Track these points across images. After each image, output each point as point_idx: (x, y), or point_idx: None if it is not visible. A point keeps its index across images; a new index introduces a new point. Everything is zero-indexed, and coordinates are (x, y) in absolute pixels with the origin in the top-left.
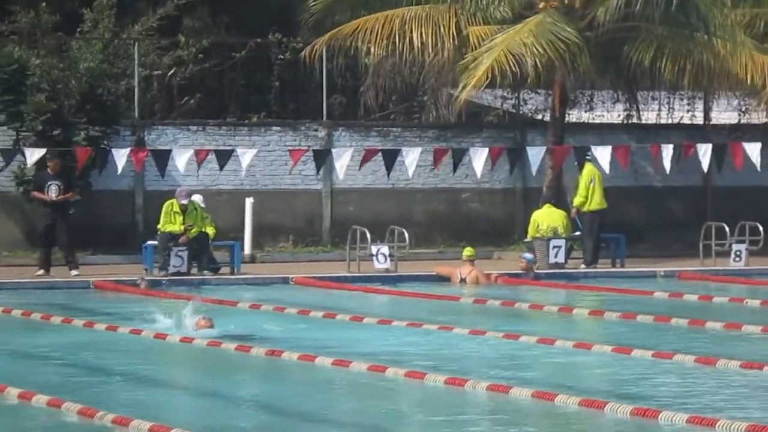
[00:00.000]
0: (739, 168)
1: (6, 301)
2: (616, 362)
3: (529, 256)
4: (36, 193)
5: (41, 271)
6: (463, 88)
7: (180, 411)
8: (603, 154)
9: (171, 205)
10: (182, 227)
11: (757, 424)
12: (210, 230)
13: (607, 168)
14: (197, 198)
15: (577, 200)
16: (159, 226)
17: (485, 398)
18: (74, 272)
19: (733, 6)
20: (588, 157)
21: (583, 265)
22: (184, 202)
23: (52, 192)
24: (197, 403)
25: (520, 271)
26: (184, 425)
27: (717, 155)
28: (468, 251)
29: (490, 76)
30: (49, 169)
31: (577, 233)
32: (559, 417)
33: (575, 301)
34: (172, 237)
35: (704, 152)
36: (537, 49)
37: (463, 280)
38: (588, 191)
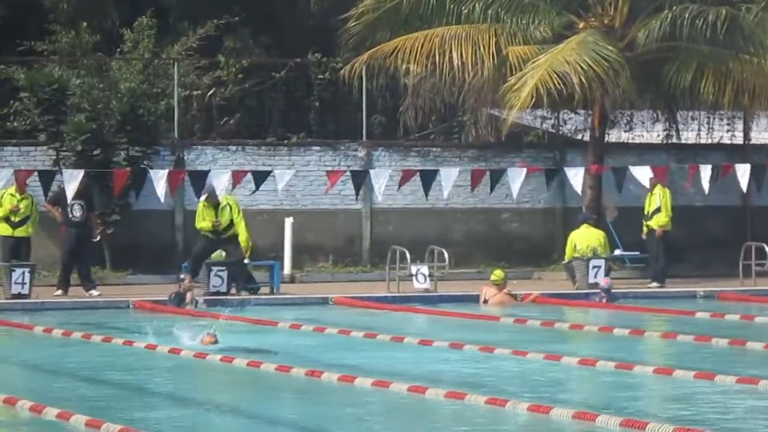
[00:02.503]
0: None
1: (46, 321)
2: (658, 383)
3: (601, 282)
4: (48, 206)
5: (59, 291)
6: (510, 109)
7: (220, 431)
8: (642, 173)
9: (203, 203)
10: (212, 222)
11: None
12: (243, 234)
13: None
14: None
15: (664, 219)
16: (196, 225)
17: (526, 418)
18: (96, 293)
19: None
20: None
21: (654, 283)
22: (202, 197)
23: (76, 211)
24: (236, 423)
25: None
26: None
27: (756, 175)
28: (494, 276)
29: (534, 96)
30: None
31: (617, 252)
32: None
33: (616, 322)
34: (206, 252)
35: (743, 172)
36: (581, 66)
37: (486, 302)
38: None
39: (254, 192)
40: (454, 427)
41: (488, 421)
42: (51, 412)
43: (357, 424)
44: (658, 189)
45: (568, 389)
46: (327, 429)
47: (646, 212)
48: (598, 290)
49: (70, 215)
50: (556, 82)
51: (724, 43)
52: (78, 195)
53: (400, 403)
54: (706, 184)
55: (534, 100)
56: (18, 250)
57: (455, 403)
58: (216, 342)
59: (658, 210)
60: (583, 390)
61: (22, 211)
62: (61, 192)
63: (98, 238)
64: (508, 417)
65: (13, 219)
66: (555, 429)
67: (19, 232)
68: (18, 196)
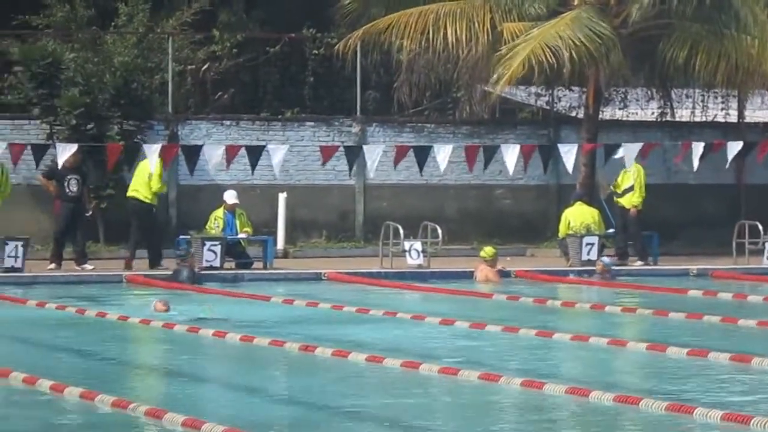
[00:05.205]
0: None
1: (40, 295)
2: (651, 359)
3: (606, 260)
4: (42, 178)
5: (53, 265)
6: (499, 79)
7: (213, 405)
8: (633, 151)
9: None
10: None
11: None
12: (249, 230)
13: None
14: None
15: (637, 199)
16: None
17: (519, 394)
18: (89, 267)
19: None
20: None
21: (639, 262)
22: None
23: (73, 186)
24: (230, 397)
25: (597, 273)
26: (217, 419)
27: (747, 153)
28: (483, 252)
29: (526, 67)
30: (66, 164)
31: (611, 231)
32: (593, 412)
33: (608, 299)
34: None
35: (732, 150)
36: (573, 42)
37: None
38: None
39: (252, 167)
40: (448, 402)
41: (482, 397)
42: (44, 384)
43: (350, 398)
44: (633, 167)
45: (560, 365)
46: (321, 403)
47: (619, 190)
48: (601, 270)
49: (67, 190)
50: (548, 56)
51: (717, 20)
52: (74, 170)
53: (393, 378)
54: (696, 162)
55: (525, 72)
56: None
57: (448, 379)
58: (168, 310)
59: (631, 188)
60: (576, 366)
61: None
62: (56, 166)
63: (90, 212)
64: (501, 392)
65: None
66: (548, 404)
67: None
68: None
